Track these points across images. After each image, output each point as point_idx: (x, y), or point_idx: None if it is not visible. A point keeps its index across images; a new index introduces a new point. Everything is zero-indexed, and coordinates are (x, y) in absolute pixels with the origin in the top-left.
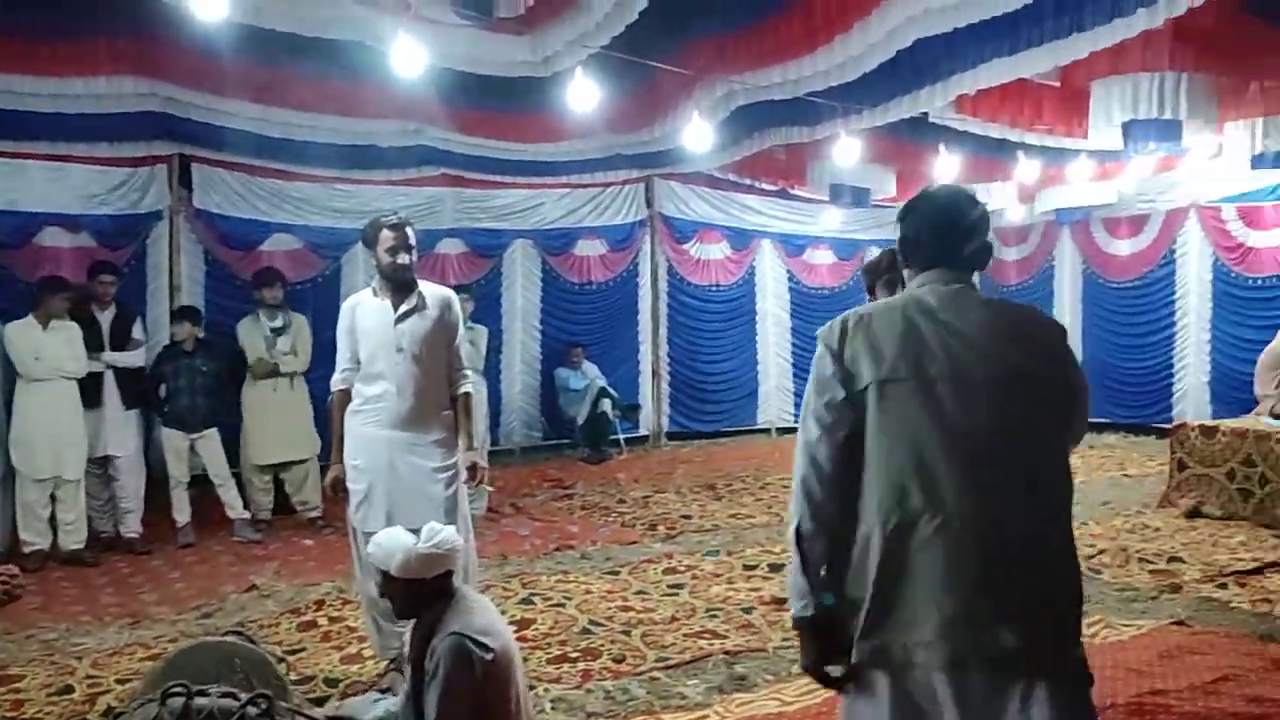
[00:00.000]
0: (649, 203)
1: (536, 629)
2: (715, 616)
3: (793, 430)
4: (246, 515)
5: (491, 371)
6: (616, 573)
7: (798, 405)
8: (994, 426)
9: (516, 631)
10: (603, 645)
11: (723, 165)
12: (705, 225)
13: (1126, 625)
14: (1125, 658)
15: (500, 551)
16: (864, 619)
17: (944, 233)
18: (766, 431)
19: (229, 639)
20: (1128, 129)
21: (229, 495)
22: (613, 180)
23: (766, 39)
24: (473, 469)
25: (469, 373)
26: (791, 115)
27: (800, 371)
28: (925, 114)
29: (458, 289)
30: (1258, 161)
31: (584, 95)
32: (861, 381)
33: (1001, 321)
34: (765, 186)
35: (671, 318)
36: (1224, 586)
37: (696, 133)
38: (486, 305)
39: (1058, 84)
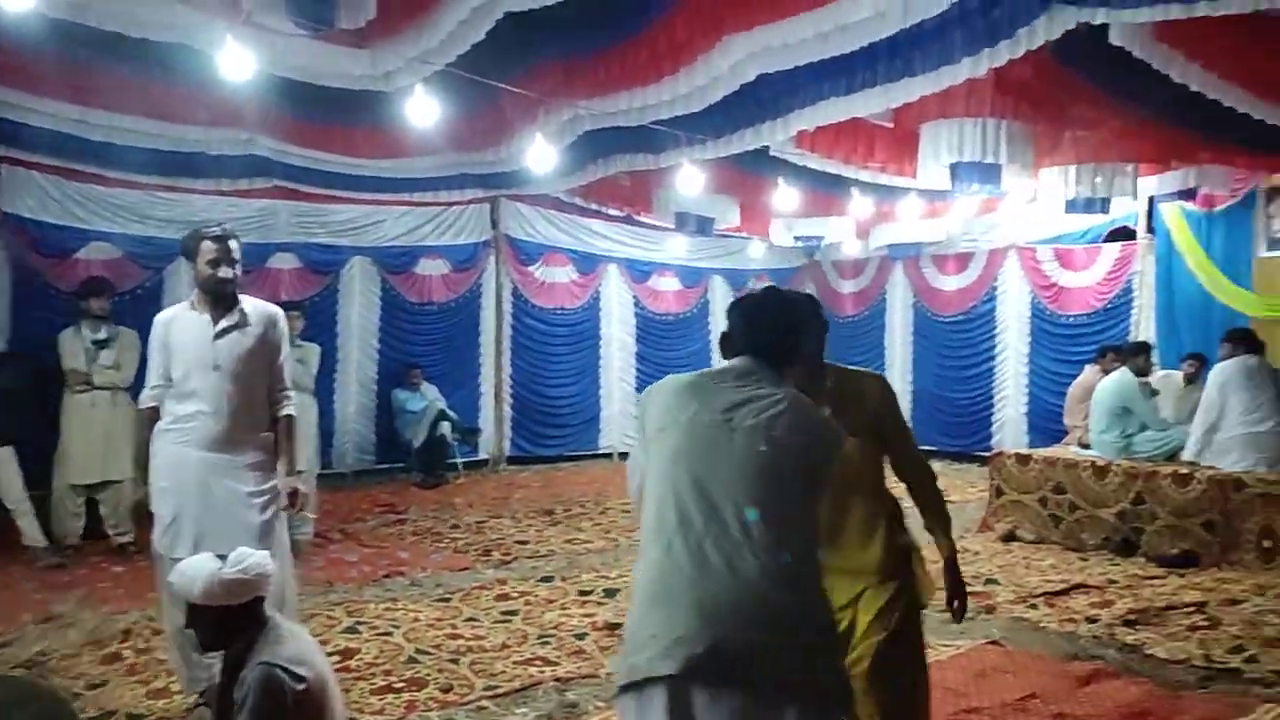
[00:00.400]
0: (494, 223)
1: (360, 658)
2: (547, 643)
3: None
4: (44, 543)
5: (324, 392)
6: (447, 600)
7: None
8: (747, 475)
9: (339, 661)
10: (429, 674)
11: (570, 189)
12: (551, 248)
13: (946, 646)
14: (944, 678)
15: (326, 579)
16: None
17: (748, 331)
18: (608, 456)
19: (17, 674)
20: (954, 170)
21: (24, 522)
22: (457, 199)
23: (614, 66)
24: (293, 494)
25: (292, 393)
26: (637, 142)
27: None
28: (767, 147)
29: (289, 306)
30: (1070, 206)
31: (424, 112)
32: (648, 431)
33: (771, 409)
34: (612, 212)
35: (515, 340)
36: (1035, 607)
37: (540, 155)
38: (321, 323)
39: (891, 125)
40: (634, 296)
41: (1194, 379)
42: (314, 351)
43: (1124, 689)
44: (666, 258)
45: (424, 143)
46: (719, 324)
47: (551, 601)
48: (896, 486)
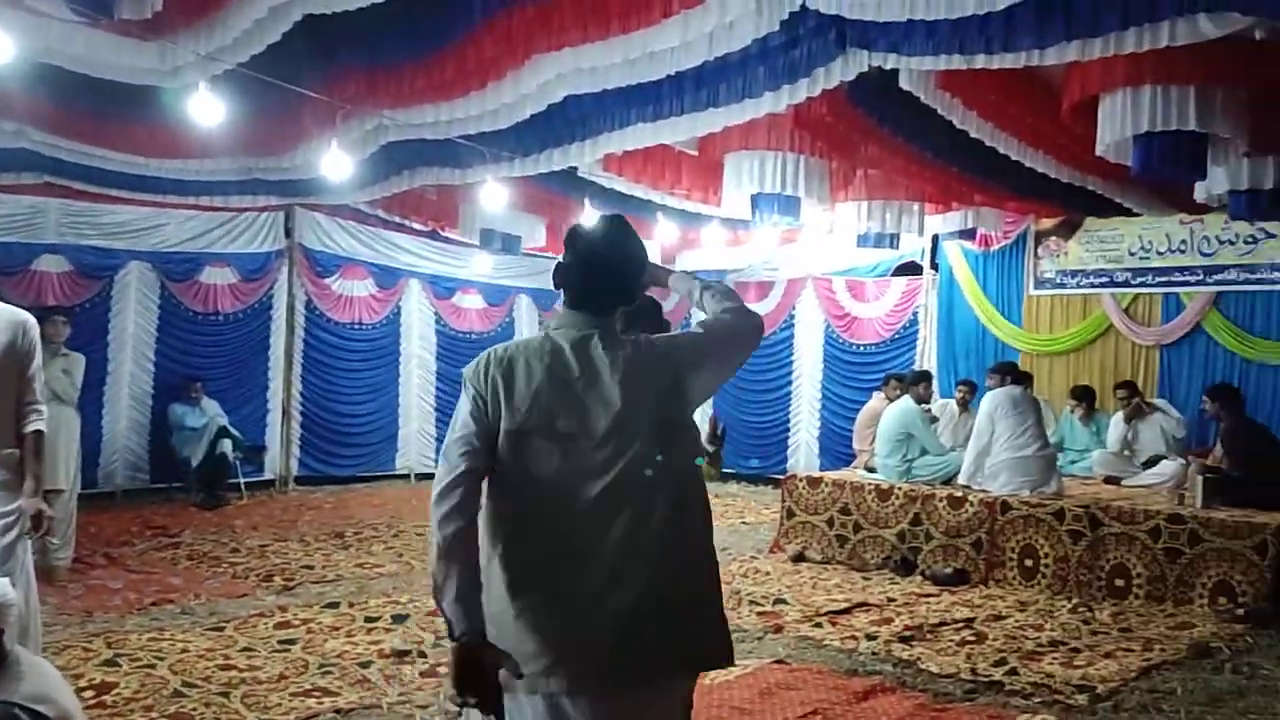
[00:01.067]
0: (289, 232)
1: (119, 693)
2: (329, 673)
3: (432, 476)
4: None
5: (91, 404)
6: (221, 628)
7: (440, 451)
8: (612, 483)
9: (93, 697)
10: (195, 709)
11: (371, 200)
12: (350, 260)
13: (734, 666)
14: (730, 696)
15: (85, 608)
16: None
17: (589, 270)
18: (405, 477)
19: None
20: (755, 200)
21: None
22: (248, 206)
23: (420, 78)
24: (37, 517)
25: (43, 407)
26: (443, 156)
27: (444, 416)
28: (575, 168)
29: (55, 311)
30: (862, 240)
31: (209, 111)
32: (499, 425)
33: (622, 373)
34: (416, 226)
35: (307, 355)
36: (819, 626)
37: (335, 163)
38: (91, 330)
39: (696, 153)
40: (436, 313)
41: (965, 404)
42: (79, 361)
43: (899, 702)
44: (471, 275)
45: (212, 144)
46: None
47: (336, 629)
48: None
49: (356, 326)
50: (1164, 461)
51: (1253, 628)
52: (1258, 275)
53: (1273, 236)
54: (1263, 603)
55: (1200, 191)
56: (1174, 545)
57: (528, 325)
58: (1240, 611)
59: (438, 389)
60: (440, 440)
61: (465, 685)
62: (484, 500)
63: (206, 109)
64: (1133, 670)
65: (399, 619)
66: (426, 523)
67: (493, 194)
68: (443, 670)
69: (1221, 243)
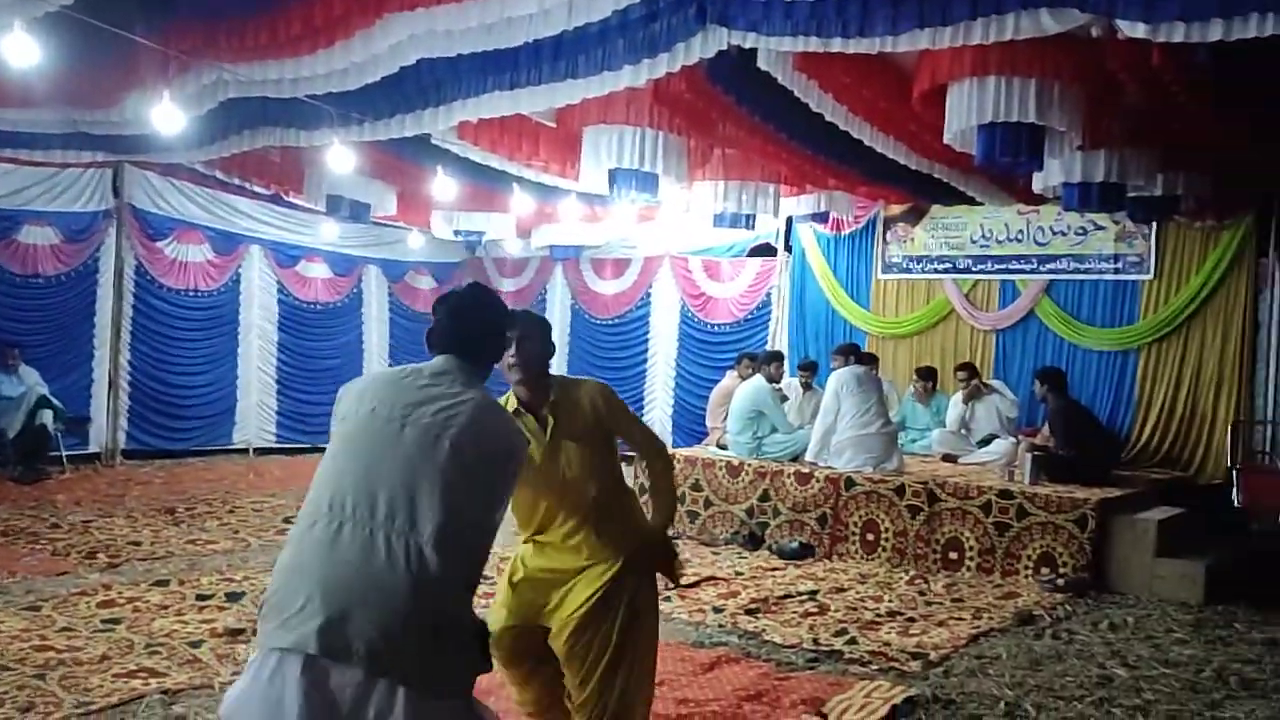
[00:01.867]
0: (117, 192)
1: None
2: (156, 653)
3: (274, 451)
4: None
5: None
6: (38, 608)
7: (281, 424)
8: (409, 462)
9: None
10: (7, 692)
11: (208, 160)
12: (185, 224)
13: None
14: None
15: None
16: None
17: (451, 329)
18: (244, 451)
19: None
20: (613, 176)
21: None
22: (72, 161)
23: (263, 32)
24: None
25: None
26: (287, 116)
27: (286, 389)
28: (428, 135)
29: None
30: (718, 220)
31: (24, 55)
32: (334, 422)
33: (450, 410)
34: (258, 189)
35: (137, 322)
36: (668, 599)
37: (167, 117)
38: None
39: (554, 125)
40: (278, 282)
41: (808, 385)
42: None
43: (743, 672)
44: (317, 243)
45: (31, 92)
46: (373, 314)
47: (165, 608)
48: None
49: (191, 294)
50: (997, 440)
51: (1071, 596)
52: (1086, 265)
53: (1101, 229)
54: (1081, 573)
55: (1037, 183)
56: (1003, 520)
57: (376, 297)
58: (1060, 581)
59: (279, 360)
60: (281, 414)
61: None
62: None
63: (22, 52)
64: (963, 637)
65: (234, 597)
66: (264, 499)
67: (340, 158)
68: None
69: (1055, 233)
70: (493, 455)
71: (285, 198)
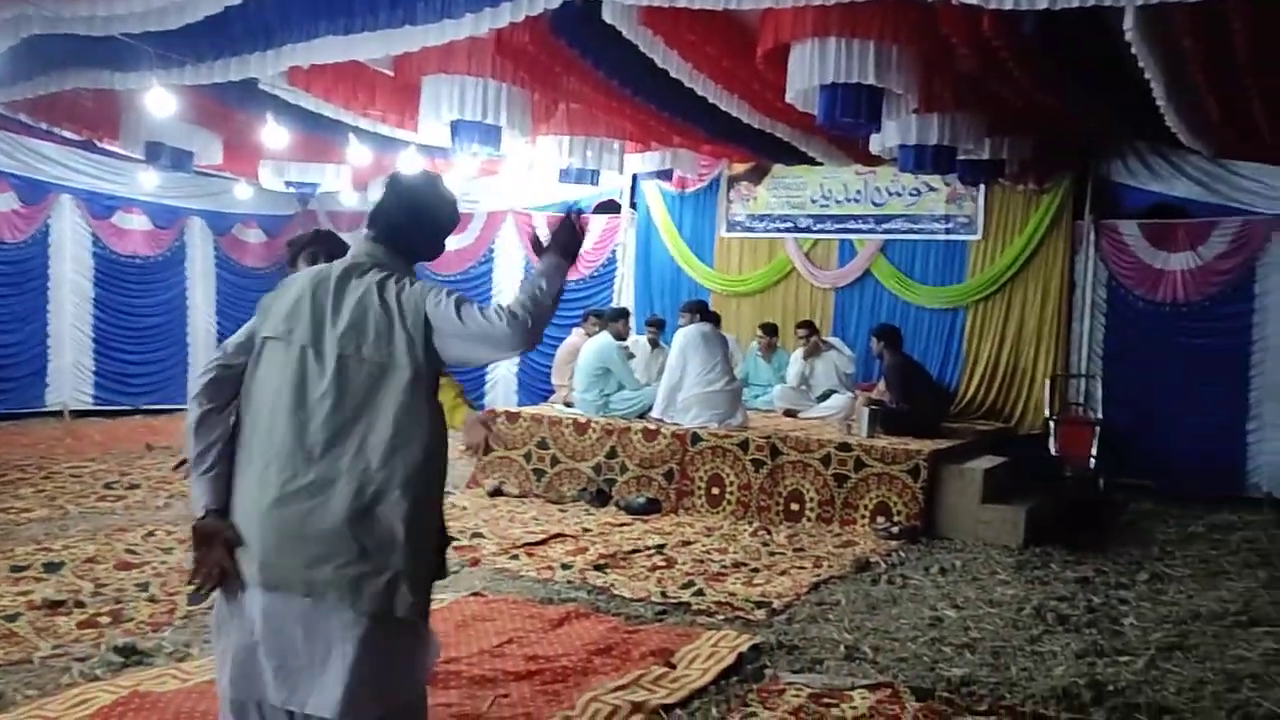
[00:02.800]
0: None
1: None
2: None
3: (92, 413)
4: None
5: None
6: None
7: (99, 385)
8: (332, 397)
9: None
10: None
11: (11, 103)
12: None
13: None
14: None
15: None
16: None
17: (395, 217)
18: (58, 414)
19: None
20: (454, 128)
21: None
22: None
23: None
24: None
25: None
26: (101, 56)
27: (102, 348)
28: (256, 80)
29: None
30: (564, 175)
31: None
32: (258, 335)
33: (359, 302)
34: (68, 135)
35: None
36: (516, 558)
37: None
38: None
39: (392, 74)
40: (93, 234)
41: (655, 342)
42: None
43: (593, 627)
44: (135, 193)
45: None
46: (197, 269)
47: None
48: None
49: None
50: (835, 395)
51: (905, 543)
52: (920, 225)
53: (934, 190)
54: (914, 521)
55: (875, 144)
56: (842, 471)
57: (201, 250)
58: (895, 529)
59: (96, 318)
60: (99, 374)
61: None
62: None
63: None
64: (804, 585)
65: (51, 567)
66: (83, 464)
67: (160, 102)
68: (104, 620)
69: (890, 194)
70: (418, 348)
71: (99, 144)
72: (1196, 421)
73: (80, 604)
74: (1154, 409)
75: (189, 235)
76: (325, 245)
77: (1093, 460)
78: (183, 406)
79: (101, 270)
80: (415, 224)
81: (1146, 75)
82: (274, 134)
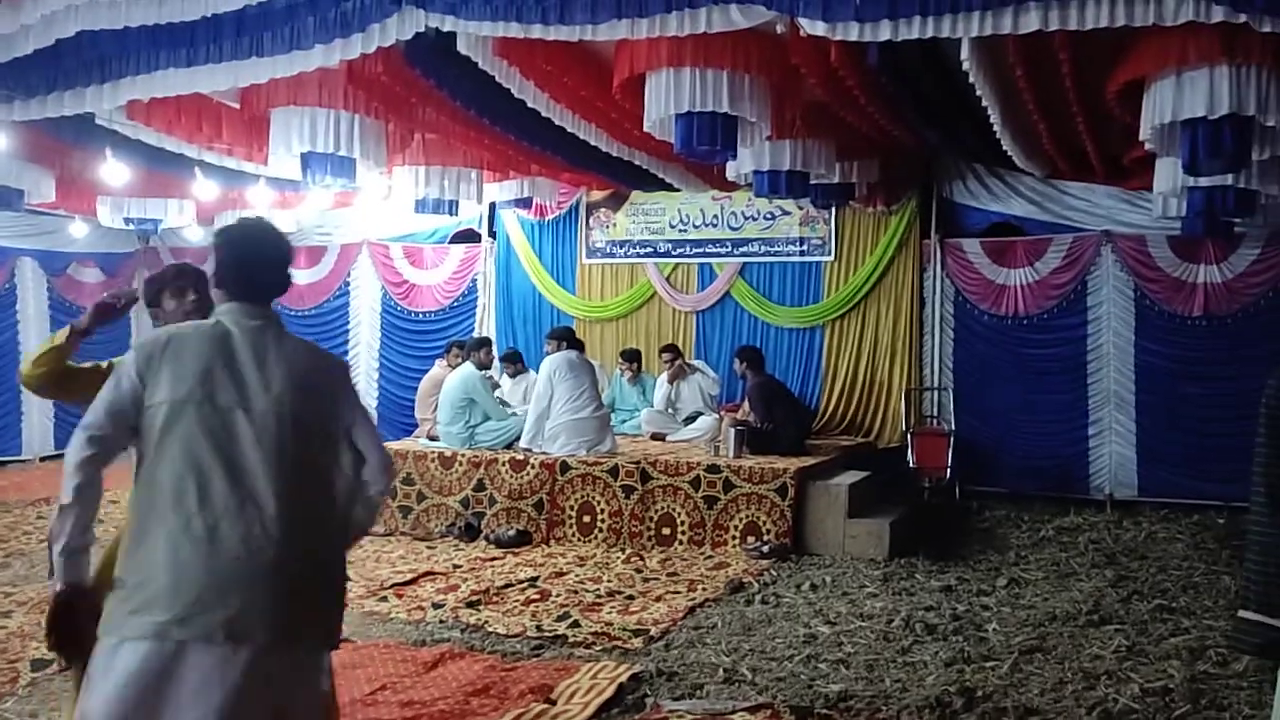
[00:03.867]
0: None
1: None
2: None
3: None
4: None
5: None
6: None
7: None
8: (266, 454)
9: None
10: None
11: None
12: None
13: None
14: None
15: None
16: (130, 598)
17: (249, 268)
18: None
19: None
20: (306, 160)
21: None
22: None
23: None
24: None
25: None
26: None
27: None
28: (93, 114)
29: None
30: (420, 206)
31: None
32: (156, 398)
33: (289, 365)
34: None
35: None
36: (385, 599)
37: None
38: None
39: (238, 106)
40: None
41: (516, 374)
42: None
43: (469, 667)
44: None
45: None
46: (30, 311)
47: None
48: None
49: None
50: (702, 417)
51: (776, 562)
52: (775, 248)
53: (788, 214)
54: (784, 539)
55: (731, 170)
56: (711, 493)
57: (34, 292)
58: (766, 549)
59: None
60: None
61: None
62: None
63: None
64: (680, 610)
65: None
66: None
67: None
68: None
69: (746, 218)
70: (336, 396)
71: None
72: (1041, 428)
73: None
74: (1001, 418)
75: (20, 276)
76: (192, 279)
77: (948, 470)
78: (15, 458)
79: None
80: (264, 267)
81: (983, 102)
82: (113, 170)
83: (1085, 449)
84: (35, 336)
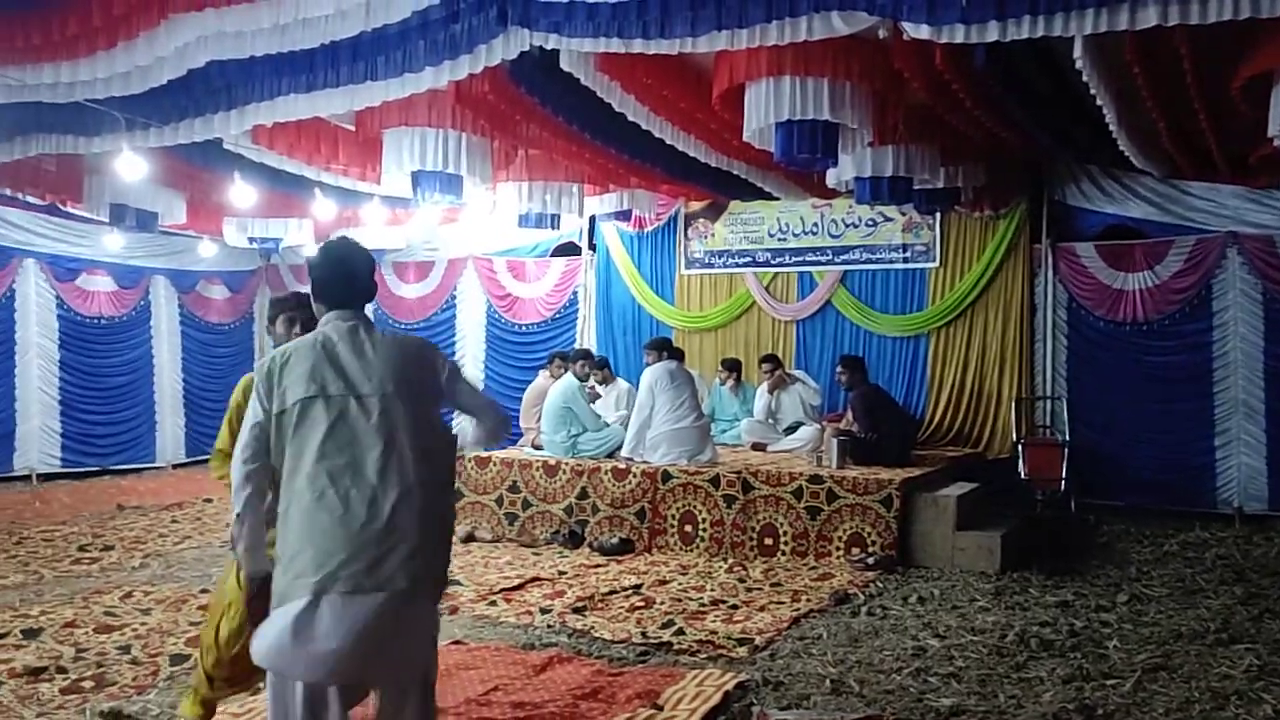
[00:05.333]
0: None
1: None
2: None
3: (60, 476)
4: None
5: None
6: None
7: (66, 447)
8: (377, 432)
9: None
10: None
11: None
12: None
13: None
14: None
15: None
16: (288, 569)
17: (339, 281)
18: (25, 478)
19: None
20: (416, 178)
21: None
22: None
23: (34, 32)
24: None
25: None
26: (65, 122)
27: (69, 410)
28: (220, 139)
29: None
30: (523, 220)
31: None
32: (286, 403)
33: (383, 355)
34: (31, 200)
35: None
36: (494, 604)
37: None
38: None
39: (353, 128)
40: (57, 297)
41: (603, 382)
42: None
43: (576, 671)
44: (99, 254)
45: None
46: (162, 327)
47: None
48: None
49: None
50: (803, 427)
51: (882, 574)
52: (878, 255)
53: (890, 220)
54: (889, 551)
55: (831, 178)
56: (814, 504)
57: (166, 310)
58: (871, 560)
59: (62, 380)
60: (65, 436)
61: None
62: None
63: None
64: (784, 620)
65: (30, 634)
66: (54, 527)
67: (129, 165)
68: (87, 685)
69: (847, 225)
70: (429, 375)
71: (63, 208)
72: (1163, 439)
73: (62, 670)
74: (1120, 428)
75: (153, 294)
76: (306, 313)
77: (1063, 482)
78: (149, 465)
79: (66, 332)
80: (352, 279)
81: (1098, 102)
82: (240, 191)
83: (1211, 461)
84: (167, 351)
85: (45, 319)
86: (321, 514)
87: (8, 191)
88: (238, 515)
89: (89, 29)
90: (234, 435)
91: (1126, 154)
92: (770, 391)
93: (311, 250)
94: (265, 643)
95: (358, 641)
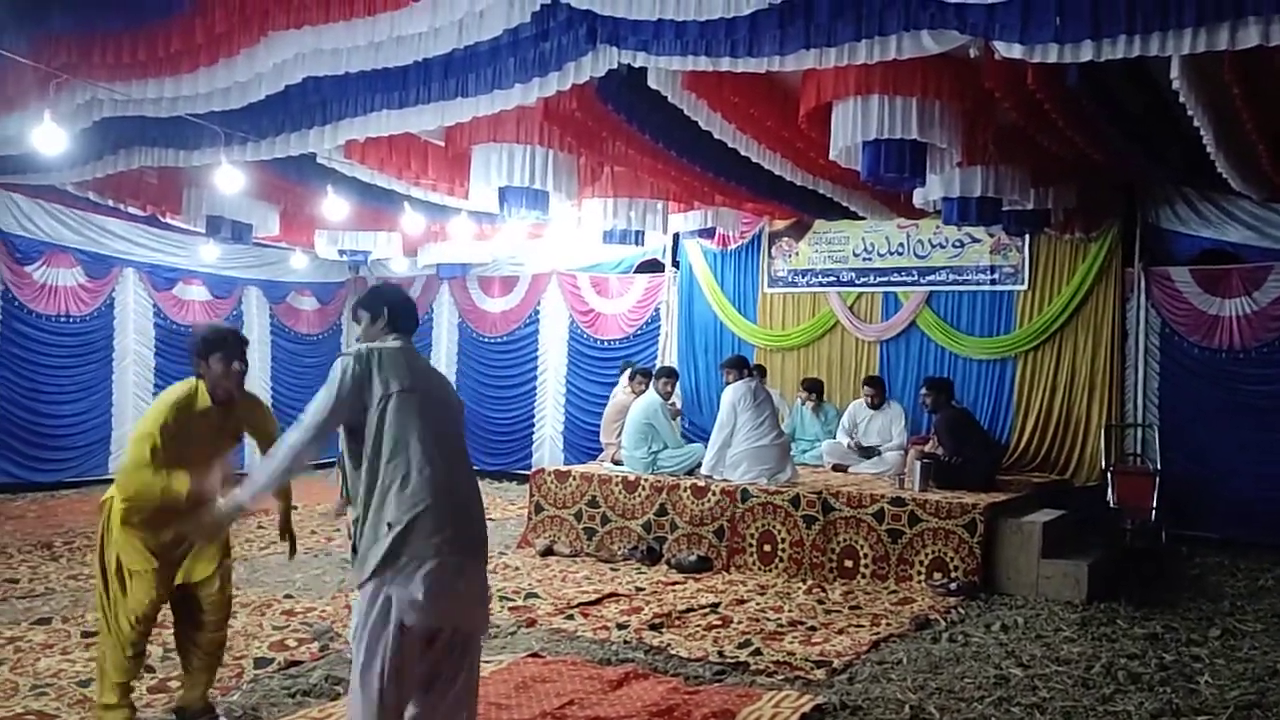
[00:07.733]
0: None
1: None
2: (44, 694)
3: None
4: None
5: None
6: None
7: None
8: (448, 426)
9: None
10: None
11: (80, 182)
12: (55, 247)
13: (487, 662)
14: (486, 693)
15: None
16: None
17: (402, 314)
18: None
19: None
20: (503, 194)
21: None
22: None
23: (141, 48)
24: None
25: None
26: (166, 136)
27: None
28: (314, 154)
29: None
30: (608, 237)
31: None
32: (389, 389)
33: (428, 369)
34: (132, 210)
35: (5, 350)
36: (571, 618)
37: (49, 137)
38: None
39: (443, 143)
40: (155, 305)
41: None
42: None
43: (652, 688)
44: (195, 264)
45: None
46: (254, 337)
47: (50, 646)
48: None
49: (63, 319)
50: (887, 449)
51: (964, 600)
52: (964, 276)
53: (978, 241)
54: (972, 576)
55: (918, 198)
56: (896, 526)
57: (258, 319)
58: (953, 585)
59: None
60: None
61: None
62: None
63: None
64: (864, 644)
65: None
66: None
67: (227, 178)
68: (174, 685)
69: (934, 246)
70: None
71: (162, 219)
72: (1259, 470)
73: (150, 669)
74: (1214, 457)
75: (246, 304)
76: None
77: (1153, 512)
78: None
79: (162, 340)
80: (410, 314)
81: (1195, 123)
82: (331, 205)
83: None
84: (258, 361)
85: (143, 327)
86: (420, 486)
87: (110, 202)
88: (285, 469)
89: (191, 46)
90: (157, 452)
91: (1225, 176)
92: (872, 408)
93: (401, 264)
94: (405, 595)
95: (469, 594)
